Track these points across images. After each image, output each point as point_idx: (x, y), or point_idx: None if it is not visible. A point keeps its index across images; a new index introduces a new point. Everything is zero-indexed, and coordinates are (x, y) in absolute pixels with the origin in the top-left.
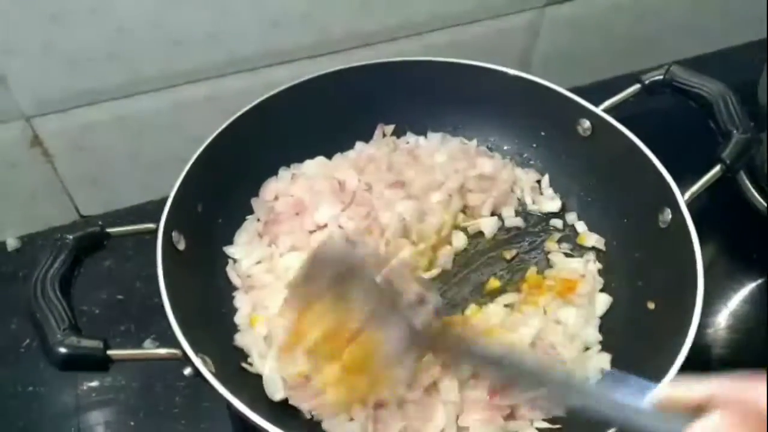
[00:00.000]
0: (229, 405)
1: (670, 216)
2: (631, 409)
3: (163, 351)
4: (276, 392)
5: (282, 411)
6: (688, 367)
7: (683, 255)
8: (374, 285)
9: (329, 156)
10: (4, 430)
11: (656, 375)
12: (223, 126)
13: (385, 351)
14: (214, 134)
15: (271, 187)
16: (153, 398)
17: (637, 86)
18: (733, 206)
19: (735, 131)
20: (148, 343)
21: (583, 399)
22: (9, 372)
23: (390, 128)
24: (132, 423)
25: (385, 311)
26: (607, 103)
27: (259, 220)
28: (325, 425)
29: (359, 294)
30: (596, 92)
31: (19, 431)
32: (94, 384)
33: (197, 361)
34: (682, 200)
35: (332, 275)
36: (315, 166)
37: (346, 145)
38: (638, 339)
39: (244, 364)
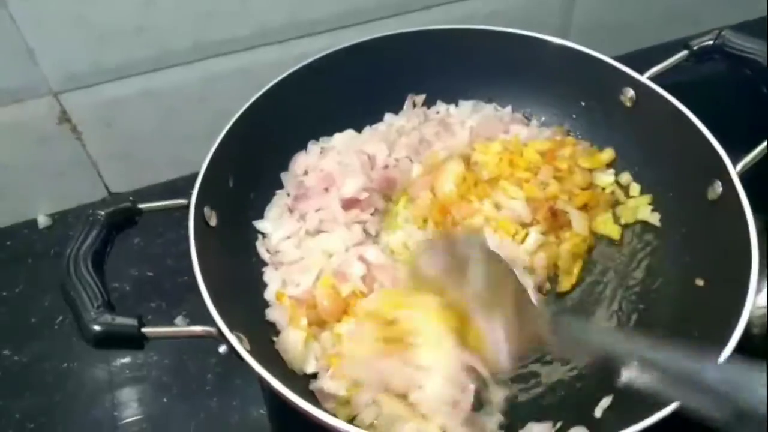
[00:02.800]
0: (261, 380)
1: (720, 189)
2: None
3: (198, 329)
4: (306, 365)
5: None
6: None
7: (735, 230)
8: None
9: (359, 127)
10: (41, 405)
11: (706, 356)
12: (253, 99)
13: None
14: (244, 108)
15: (301, 161)
16: (185, 375)
17: (685, 53)
18: None
19: None
20: (179, 320)
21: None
22: (44, 348)
23: (421, 98)
24: (165, 400)
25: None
26: (652, 71)
27: (288, 194)
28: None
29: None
30: (636, 61)
31: (56, 406)
32: (127, 360)
33: (233, 339)
34: (734, 172)
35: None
36: (344, 139)
37: (376, 117)
38: (686, 318)
39: (276, 339)
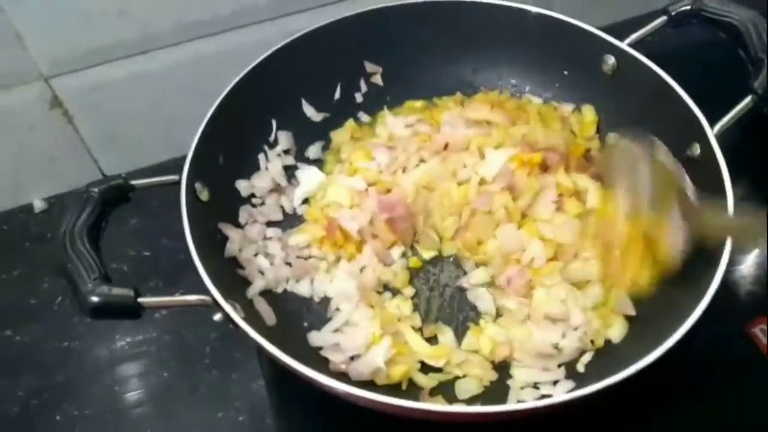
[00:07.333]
0: (259, 351)
1: (698, 151)
2: None
3: (192, 297)
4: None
5: (313, 354)
6: (716, 305)
7: (713, 190)
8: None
9: None
10: (44, 383)
11: (684, 313)
12: (239, 76)
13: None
14: (231, 85)
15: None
16: (184, 350)
17: (664, 18)
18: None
19: (766, 59)
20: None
21: None
22: (45, 329)
23: None
24: (165, 374)
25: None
26: (632, 37)
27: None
28: None
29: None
30: (621, 30)
31: (59, 385)
32: (127, 337)
33: (227, 307)
34: (711, 133)
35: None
36: None
37: None
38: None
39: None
